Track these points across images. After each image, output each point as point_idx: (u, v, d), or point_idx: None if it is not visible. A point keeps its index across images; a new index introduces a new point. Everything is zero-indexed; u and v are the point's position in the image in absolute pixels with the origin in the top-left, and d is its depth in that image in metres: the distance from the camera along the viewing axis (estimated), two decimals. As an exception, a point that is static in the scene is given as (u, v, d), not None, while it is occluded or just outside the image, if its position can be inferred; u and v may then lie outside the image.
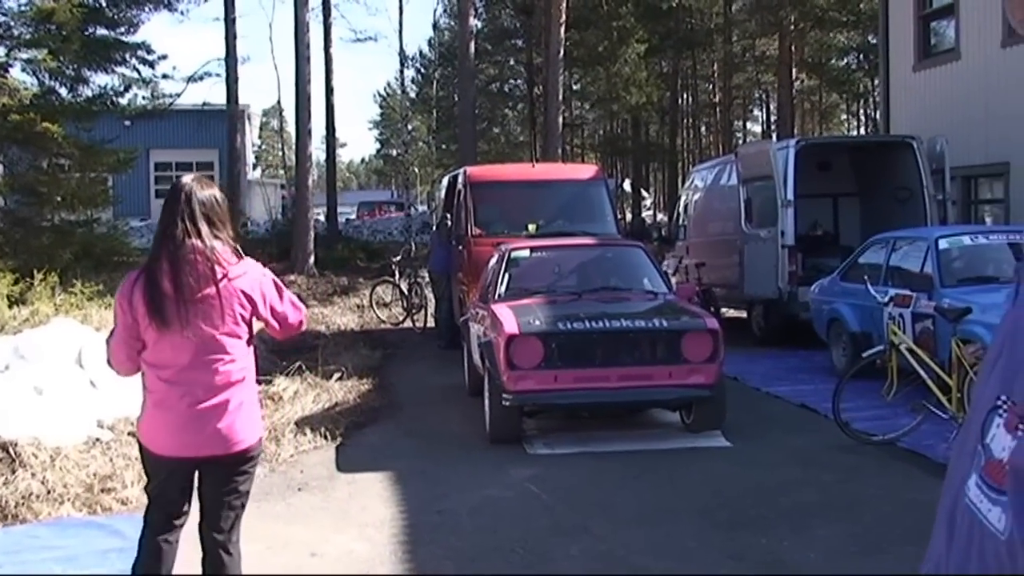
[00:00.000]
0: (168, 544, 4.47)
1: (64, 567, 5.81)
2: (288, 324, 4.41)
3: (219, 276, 4.14)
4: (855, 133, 56.48)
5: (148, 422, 4.34)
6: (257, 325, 4.40)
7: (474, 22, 32.77)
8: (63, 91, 19.48)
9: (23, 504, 6.57)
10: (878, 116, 27.50)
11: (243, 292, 4.21)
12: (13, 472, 7.16)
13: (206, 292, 4.13)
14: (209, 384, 4.18)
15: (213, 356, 4.18)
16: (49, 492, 6.68)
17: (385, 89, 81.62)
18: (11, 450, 7.35)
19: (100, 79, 20.78)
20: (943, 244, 10.59)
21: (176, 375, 4.19)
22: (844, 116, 65.09)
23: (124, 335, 4.25)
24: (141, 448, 4.45)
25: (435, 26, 51.55)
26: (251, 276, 4.27)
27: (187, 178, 4.42)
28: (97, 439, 7.84)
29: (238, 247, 4.31)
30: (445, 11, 48.93)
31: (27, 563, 5.88)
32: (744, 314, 16.07)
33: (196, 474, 4.38)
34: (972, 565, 1.19)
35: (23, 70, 18.81)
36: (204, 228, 4.19)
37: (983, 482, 1.20)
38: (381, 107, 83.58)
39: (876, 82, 35.54)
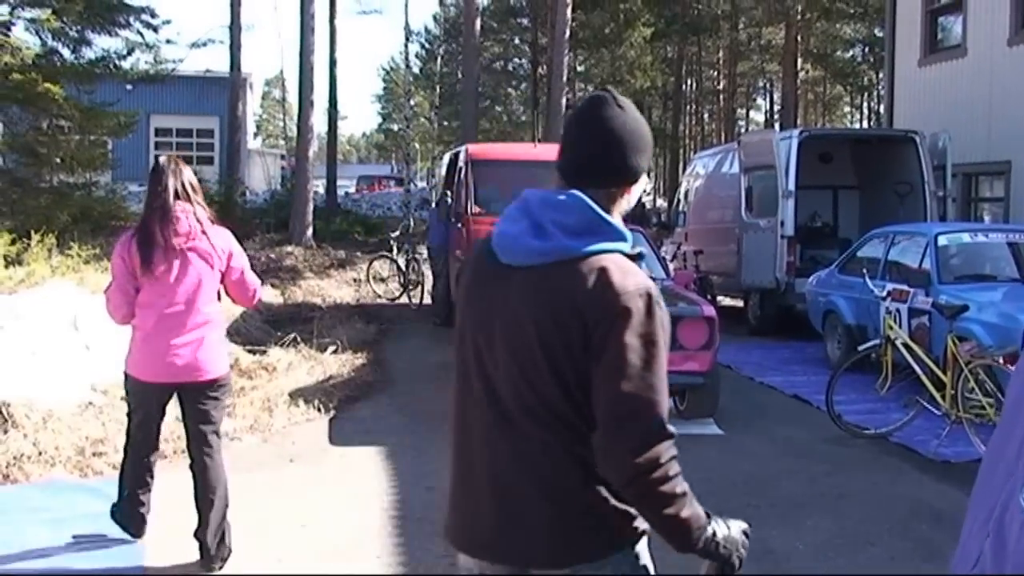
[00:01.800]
0: (150, 464, 5.50)
1: (53, 529, 5.81)
2: (248, 289, 5.39)
3: (200, 231, 5.13)
4: (858, 126, 56.39)
5: (137, 355, 5.24)
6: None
7: (480, -1, 32.69)
8: (65, 52, 19.36)
9: (14, 465, 6.58)
10: (881, 110, 27.46)
11: (218, 248, 5.20)
12: (5, 433, 7.17)
13: (190, 245, 5.11)
14: (187, 323, 5.13)
15: (191, 299, 5.13)
16: (41, 454, 6.68)
17: (389, 63, 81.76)
18: (4, 411, 7.35)
19: (103, 41, 20.77)
20: (942, 240, 10.59)
21: (162, 314, 5.12)
22: (847, 108, 65.00)
23: (122, 282, 5.18)
24: (128, 380, 5.32)
25: (441, 2, 51.50)
26: (223, 237, 5.28)
27: (164, 158, 5.33)
28: (90, 402, 7.84)
29: (211, 214, 5.29)
30: (452, -13, 48.81)
31: (17, 524, 5.89)
32: (740, 303, 16.08)
33: (178, 402, 5.33)
34: None
35: (26, 29, 18.70)
36: (192, 194, 5.18)
37: None
38: (384, 81, 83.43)
39: (881, 75, 35.46)
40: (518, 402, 2.45)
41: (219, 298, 5.31)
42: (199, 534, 5.34)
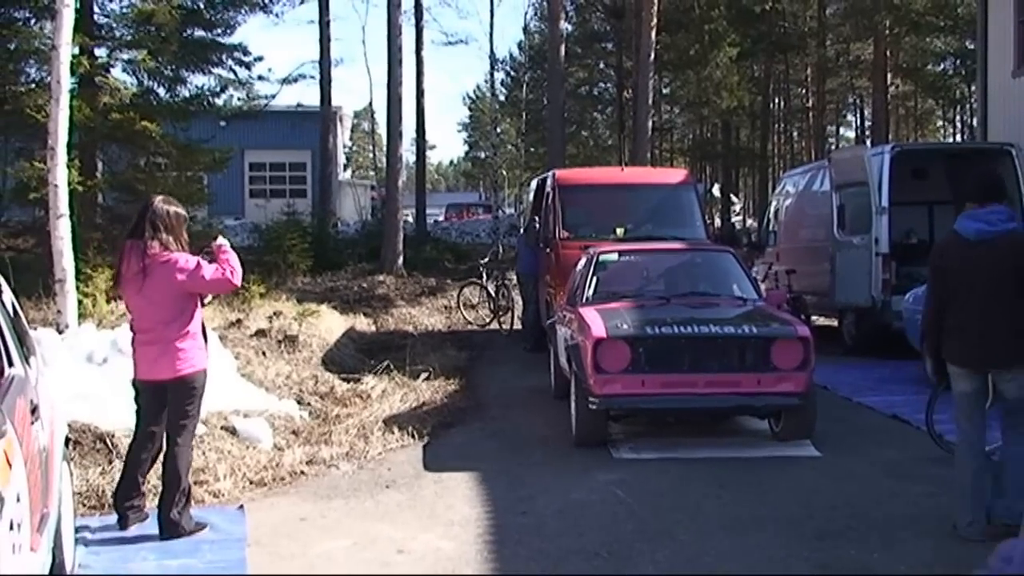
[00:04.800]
0: (149, 438, 6.45)
1: (157, 557, 5.94)
2: (220, 287, 6.50)
3: (145, 263, 6.17)
4: (951, 140, 55.31)
5: (133, 357, 6.43)
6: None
7: (564, 25, 32.81)
8: (161, 91, 19.88)
9: (120, 494, 6.71)
10: (975, 123, 26.93)
11: (169, 273, 6.16)
12: (110, 463, 7.35)
13: (136, 273, 6.20)
14: (153, 331, 6.25)
15: (152, 313, 6.24)
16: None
17: (474, 92, 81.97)
18: (108, 441, 7.55)
19: (197, 79, 21.18)
20: (1043, 254, 10.32)
21: (136, 324, 6.39)
22: (940, 123, 63.78)
23: None
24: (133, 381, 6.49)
25: (525, 29, 51.73)
26: (173, 262, 6.20)
27: (157, 198, 6.47)
28: (191, 432, 7.98)
29: (181, 244, 6.32)
30: (536, 14, 48.95)
31: (123, 552, 6.03)
32: (835, 322, 15.83)
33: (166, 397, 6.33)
34: None
35: (124, 70, 19.30)
36: (148, 231, 6.23)
37: None
38: (470, 109, 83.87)
39: (973, 88, 34.79)
40: (995, 295, 5.95)
41: (193, 311, 6.31)
42: (161, 507, 6.27)
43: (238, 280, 6.40)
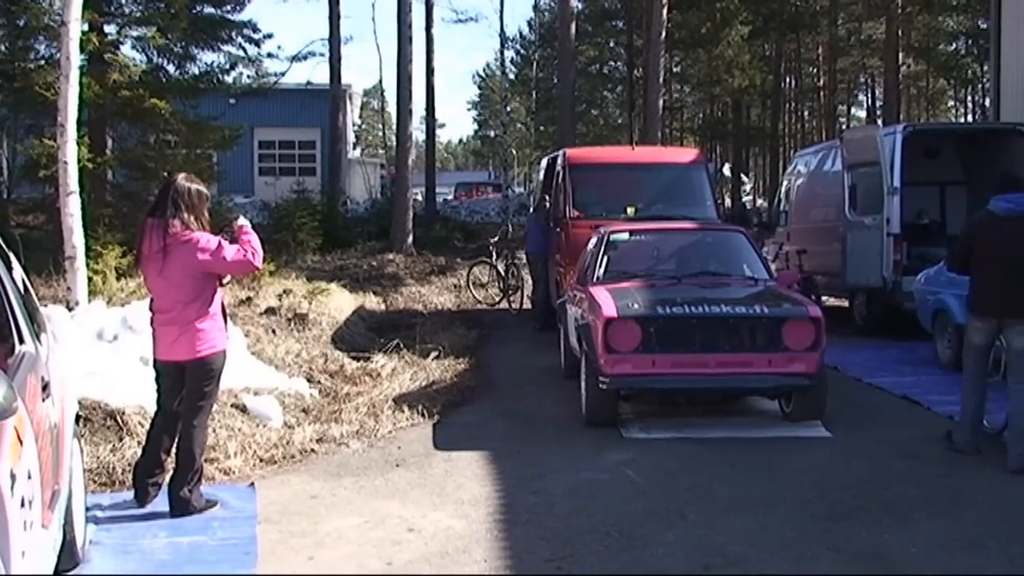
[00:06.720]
0: (171, 417, 6.37)
1: (168, 534, 5.95)
2: (241, 268, 6.37)
3: (166, 242, 6.06)
4: (963, 120, 55.05)
5: (153, 336, 6.37)
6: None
7: (575, 3, 32.62)
8: (171, 68, 19.84)
9: (129, 471, 6.73)
10: (987, 103, 26.77)
11: (190, 252, 6.06)
12: (120, 440, 7.36)
13: (156, 251, 6.10)
14: (172, 311, 6.17)
15: (172, 293, 6.15)
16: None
17: (484, 70, 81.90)
18: (118, 418, 7.55)
19: (207, 57, 21.16)
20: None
21: (157, 304, 6.29)
22: (951, 103, 63.52)
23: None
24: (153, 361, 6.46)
25: (536, 7, 51.70)
26: (194, 241, 6.09)
27: (179, 175, 6.35)
28: (201, 410, 7.99)
29: (202, 223, 6.22)
30: (546, -8, 48.84)
31: (132, 529, 6.03)
32: (845, 303, 15.79)
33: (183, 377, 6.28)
34: None
35: (133, 47, 19.22)
36: (170, 209, 6.12)
37: None
38: (480, 88, 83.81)
39: (986, 68, 34.57)
40: (1014, 260, 7.28)
41: (213, 292, 6.25)
42: (172, 485, 6.26)
43: (259, 262, 6.32)
